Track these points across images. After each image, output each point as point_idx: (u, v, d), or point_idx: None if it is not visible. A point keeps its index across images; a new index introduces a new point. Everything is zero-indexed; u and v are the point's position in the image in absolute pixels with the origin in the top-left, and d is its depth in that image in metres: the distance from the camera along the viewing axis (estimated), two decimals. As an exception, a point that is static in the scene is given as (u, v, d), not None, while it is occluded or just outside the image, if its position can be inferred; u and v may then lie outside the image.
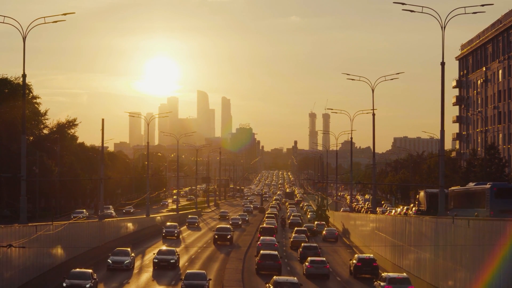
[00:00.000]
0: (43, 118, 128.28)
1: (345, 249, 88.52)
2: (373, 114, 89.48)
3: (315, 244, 76.96)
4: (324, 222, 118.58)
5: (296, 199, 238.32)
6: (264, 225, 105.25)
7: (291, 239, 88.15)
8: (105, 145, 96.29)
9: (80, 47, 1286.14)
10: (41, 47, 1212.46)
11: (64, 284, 50.36)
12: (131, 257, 64.90)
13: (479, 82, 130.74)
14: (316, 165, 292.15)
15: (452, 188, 63.05)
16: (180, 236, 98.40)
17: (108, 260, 63.71)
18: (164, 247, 70.98)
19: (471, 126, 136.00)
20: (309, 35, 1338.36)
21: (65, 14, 56.50)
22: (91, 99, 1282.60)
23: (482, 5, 56.18)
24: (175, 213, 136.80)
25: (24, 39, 56.17)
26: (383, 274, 54.86)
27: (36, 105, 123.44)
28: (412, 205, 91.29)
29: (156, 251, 68.04)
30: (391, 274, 54.36)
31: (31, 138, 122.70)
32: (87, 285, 50.50)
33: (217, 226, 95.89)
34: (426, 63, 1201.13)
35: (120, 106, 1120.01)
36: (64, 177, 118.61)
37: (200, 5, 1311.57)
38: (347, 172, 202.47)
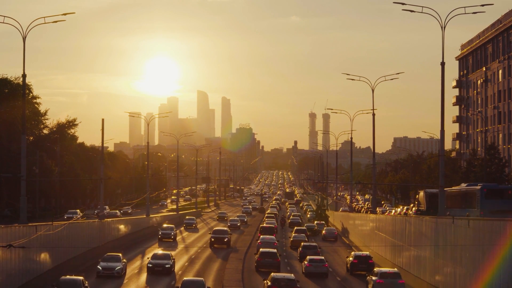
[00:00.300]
0: (43, 118, 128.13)
1: (344, 249, 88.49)
2: (373, 114, 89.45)
3: (314, 244, 76.95)
4: (323, 222, 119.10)
5: (296, 199, 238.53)
6: (264, 224, 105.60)
7: (291, 239, 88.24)
8: (105, 145, 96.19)
9: (80, 47, 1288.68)
10: (41, 47, 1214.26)
11: None
12: (123, 263, 59.95)
13: (479, 82, 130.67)
14: (316, 165, 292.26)
15: (446, 189, 63.18)
16: (177, 238, 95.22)
17: (98, 267, 58.36)
18: (159, 251, 67.11)
19: (471, 126, 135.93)
20: (309, 35, 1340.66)
21: (65, 14, 56.36)
22: (91, 99, 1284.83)
23: (482, 5, 56.15)
24: (174, 213, 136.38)
25: (24, 39, 56.06)
26: (375, 269, 55.52)
27: (36, 105, 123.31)
28: (412, 205, 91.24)
29: (150, 255, 64.44)
30: (382, 269, 55.20)
31: (31, 138, 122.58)
32: None
33: (214, 229, 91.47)
34: (426, 63, 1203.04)
35: (120, 106, 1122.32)
36: (64, 177, 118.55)
37: (200, 5, 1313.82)
38: (347, 172, 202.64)
